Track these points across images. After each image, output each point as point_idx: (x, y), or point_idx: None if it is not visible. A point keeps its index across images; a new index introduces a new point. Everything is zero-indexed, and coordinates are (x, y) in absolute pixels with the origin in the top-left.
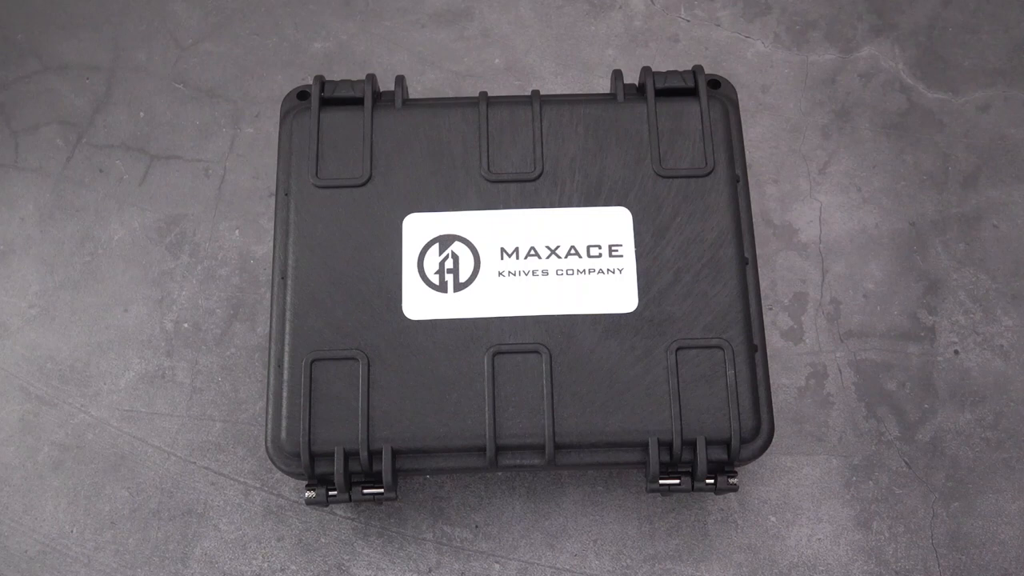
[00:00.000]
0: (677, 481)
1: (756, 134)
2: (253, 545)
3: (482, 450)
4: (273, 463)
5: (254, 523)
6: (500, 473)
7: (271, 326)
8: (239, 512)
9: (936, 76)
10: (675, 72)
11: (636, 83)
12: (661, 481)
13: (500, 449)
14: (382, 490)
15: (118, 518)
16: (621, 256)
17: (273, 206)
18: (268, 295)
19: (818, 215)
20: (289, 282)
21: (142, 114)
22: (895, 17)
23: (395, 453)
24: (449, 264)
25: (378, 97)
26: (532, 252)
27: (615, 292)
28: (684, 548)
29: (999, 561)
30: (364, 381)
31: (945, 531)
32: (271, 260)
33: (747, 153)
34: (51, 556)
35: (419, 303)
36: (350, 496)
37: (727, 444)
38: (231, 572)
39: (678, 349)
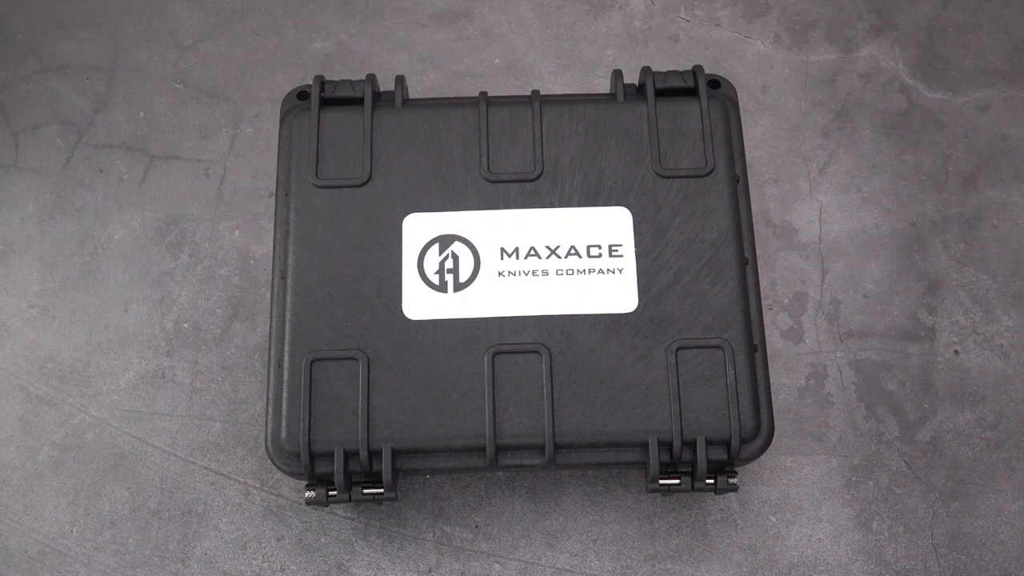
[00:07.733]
0: (677, 481)
1: (756, 134)
2: (253, 545)
3: (482, 450)
4: (273, 463)
5: (254, 523)
6: (500, 473)
7: (271, 326)
8: (239, 512)
9: (936, 76)
10: (675, 72)
11: (636, 83)
12: (661, 481)
13: (500, 449)
14: (382, 490)
15: (118, 518)
16: (621, 256)
17: (273, 206)
18: (268, 295)
19: (818, 215)
20: (289, 282)
21: (142, 114)
22: (895, 17)
23: (395, 453)
24: (449, 264)
25: (378, 97)
26: (532, 252)
27: (615, 292)
28: (684, 548)
29: (999, 561)
30: (364, 381)
31: (945, 531)
32: (271, 260)
33: (747, 153)
34: (51, 556)
35: (419, 303)
36: (350, 496)
37: (727, 444)
38: (231, 572)
39: (678, 349)
